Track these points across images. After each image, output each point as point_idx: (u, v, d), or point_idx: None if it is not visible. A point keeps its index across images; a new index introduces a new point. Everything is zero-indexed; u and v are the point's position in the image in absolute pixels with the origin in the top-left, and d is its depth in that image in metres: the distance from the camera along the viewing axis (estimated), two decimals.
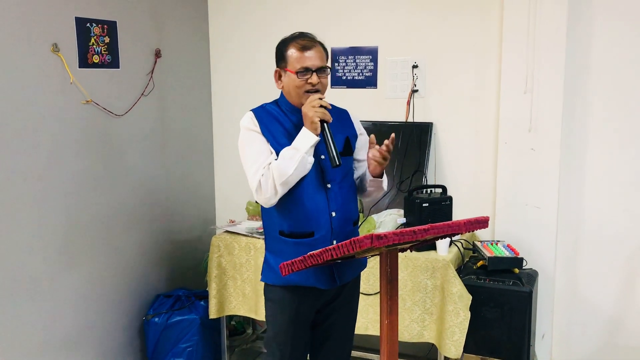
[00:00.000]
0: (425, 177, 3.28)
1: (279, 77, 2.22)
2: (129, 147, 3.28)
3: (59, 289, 2.91)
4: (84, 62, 2.97)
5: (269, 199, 2.10)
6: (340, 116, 2.32)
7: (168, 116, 3.55)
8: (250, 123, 2.19)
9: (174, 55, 3.56)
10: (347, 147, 2.28)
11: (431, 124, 3.33)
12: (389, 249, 1.84)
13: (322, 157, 2.20)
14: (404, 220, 2.98)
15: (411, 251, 2.41)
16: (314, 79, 2.13)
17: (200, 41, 3.80)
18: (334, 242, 2.18)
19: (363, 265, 2.40)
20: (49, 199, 2.84)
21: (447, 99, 3.32)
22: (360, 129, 2.39)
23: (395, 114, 3.40)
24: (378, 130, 3.41)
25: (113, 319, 3.25)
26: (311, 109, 2.08)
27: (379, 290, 1.96)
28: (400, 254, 2.20)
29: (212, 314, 3.24)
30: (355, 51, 3.49)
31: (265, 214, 2.28)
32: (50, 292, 2.87)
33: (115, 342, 3.27)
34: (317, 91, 2.14)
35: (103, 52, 3.08)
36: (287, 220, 2.19)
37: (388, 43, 3.42)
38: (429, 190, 3.03)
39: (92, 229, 3.08)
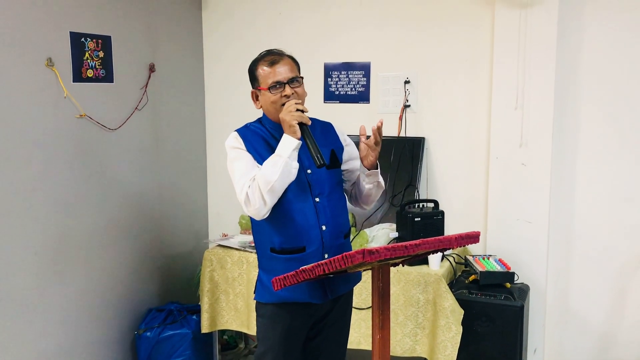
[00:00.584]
0: (418, 191, 3.30)
1: (256, 98, 2.24)
2: (122, 161, 3.29)
3: (50, 302, 2.90)
4: (78, 76, 2.99)
5: (259, 210, 2.09)
6: (324, 129, 2.34)
7: (161, 131, 3.57)
8: (235, 142, 2.20)
9: (168, 70, 3.58)
10: (334, 159, 2.28)
11: (423, 138, 3.36)
12: (380, 264, 1.85)
13: (309, 171, 2.21)
14: (396, 234, 2.99)
15: (403, 266, 2.42)
16: (287, 90, 2.14)
17: (194, 56, 3.82)
18: (326, 255, 2.18)
19: (357, 279, 2.40)
20: (41, 212, 2.84)
21: (439, 114, 3.35)
22: (345, 140, 2.39)
23: (388, 129, 3.41)
24: None
25: (104, 333, 3.23)
26: (288, 114, 2.08)
27: (371, 304, 1.96)
28: (392, 268, 2.21)
29: (204, 329, 3.23)
30: (348, 67, 3.52)
31: (256, 231, 2.28)
32: (41, 306, 2.86)
33: (106, 356, 3.25)
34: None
35: (97, 67, 3.09)
36: (278, 237, 2.19)
37: (380, 59, 3.45)
38: (421, 204, 3.05)
39: (84, 242, 3.07)
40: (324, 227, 2.20)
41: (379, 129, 2.16)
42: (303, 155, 2.18)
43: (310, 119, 2.17)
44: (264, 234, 2.23)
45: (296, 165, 2.09)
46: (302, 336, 2.30)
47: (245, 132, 2.23)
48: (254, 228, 2.28)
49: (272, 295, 2.19)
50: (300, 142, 2.09)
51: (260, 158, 2.16)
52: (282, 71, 2.15)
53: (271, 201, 2.08)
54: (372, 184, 2.28)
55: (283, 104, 2.14)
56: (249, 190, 2.09)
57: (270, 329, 2.27)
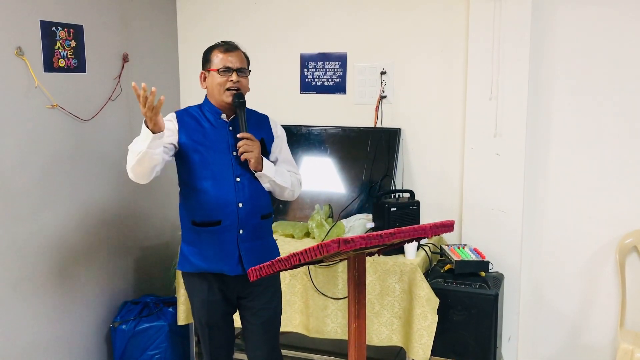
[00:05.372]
0: (394, 182, 3.31)
1: (204, 79, 2.45)
2: (95, 152, 3.24)
3: (23, 296, 2.86)
4: (50, 66, 2.93)
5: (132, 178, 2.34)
6: (259, 121, 2.53)
7: (136, 121, 3.52)
8: (169, 124, 2.35)
9: (141, 60, 3.53)
10: (263, 149, 2.45)
11: (399, 129, 3.37)
12: (356, 253, 1.85)
13: (234, 153, 2.38)
14: (372, 224, 3.01)
15: (379, 255, 2.43)
16: (234, 77, 2.37)
17: (168, 46, 3.78)
18: (241, 231, 2.39)
19: (274, 255, 2.53)
20: (13, 203, 2.79)
21: (415, 105, 3.36)
22: (277, 132, 2.58)
23: (364, 120, 3.43)
24: (347, 135, 3.44)
25: (80, 326, 3.20)
26: (147, 114, 2.15)
27: (347, 294, 1.97)
28: (368, 258, 2.22)
29: (181, 321, 3.21)
30: (324, 57, 3.51)
31: (180, 206, 2.49)
32: (14, 298, 2.81)
33: (82, 349, 3.22)
34: (237, 89, 2.37)
35: (69, 56, 3.04)
36: (198, 211, 2.39)
37: (357, 49, 3.45)
38: (397, 194, 3.07)
39: (57, 234, 3.03)
40: (240, 205, 2.38)
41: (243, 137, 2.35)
42: (231, 140, 2.40)
43: (247, 110, 2.43)
44: (187, 209, 2.44)
45: (159, 152, 2.22)
46: (224, 309, 2.48)
47: (183, 115, 2.43)
48: (180, 204, 2.49)
49: (191, 265, 2.44)
50: (158, 135, 2.16)
51: (189, 138, 2.37)
52: (234, 60, 2.39)
53: (136, 177, 2.31)
54: (266, 183, 2.46)
55: (227, 89, 2.36)
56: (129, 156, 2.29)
57: (191, 297, 2.52)
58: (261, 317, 2.49)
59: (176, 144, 2.37)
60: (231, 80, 2.36)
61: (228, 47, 2.41)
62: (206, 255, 2.40)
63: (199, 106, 2.48)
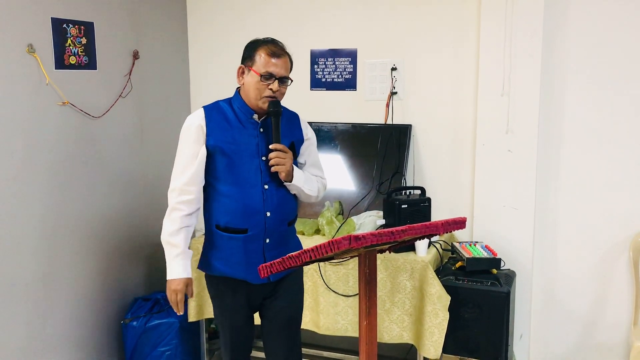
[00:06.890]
0: (405, 178, 3.30)
1: (241, 73, 2.30)
2: (106, 149, 3.25)
3: (35, 292, 2.87)
4: (61, 63, 2.94)
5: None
6: (290, 120, 2.41)
7: (146, 118, 3.53)
8: (198, 129, 2.26)
9: (152, 57, 3.54)
10: (292, 151, 2.35)
11: (410, 125, 3.35)
12: (367, 250, 1.84)
13: (264, 158, 2.28)
14: (383, 221, 3.00)
15: (390, 252, 2.42)
16: (275, 85, 2.23)
17: (178, 42, 3.78)
18: (267, 240, 2.30)
19: None
20: (24, 201, 2.80)
21: (426, 101, 3.34)
22: (307, 134, 2.47)
23: (375, 116, 3.42)
24: (357, 132, 3.43)
25: (91, 322, 3.21)
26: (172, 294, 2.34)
27: (357, 291, 1.96)
28: (379, 255, 2.21)
29: (192, 317, 3.22)
30: (334, 53, 3.50)
31: (205, 207, 2.37)
32: (26, 296, 2.83)
33: (93, 346, 3.23)
34: (274, 97, 2.24)
35: (80, 53, 3.04)
36: (224, 216, 2.29)
37: (367, 45, 3.43)
38: (408, 191, 3.05)
39: (69, 231, 3.04)
40: (268, 214, 2.28)
41: (275, 149, 2.26)
42: (261, 143, 2.28)
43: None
44: (212, 211, 2.32)
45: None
46: (246, 307, 2.40)
47: (212, 112, 2.30)
48: (204, 204, 2.36)
49: (214, 269, 2.35)
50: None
51: (218, 142, 2.25)
52: (279, 66, 2.23)
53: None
54: (294, 191, 2.37)
55: (266, 96, 2.23)
56: (170, 199, 2.32)
57: (214, 299, 2.44)
58: (284, 315, 2.43)
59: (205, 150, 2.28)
60: (271, 89, 2.22)
61: (276, 50, 2.23)
62: (230, 262, 2.31)
63: (230, 101, 2.33)
